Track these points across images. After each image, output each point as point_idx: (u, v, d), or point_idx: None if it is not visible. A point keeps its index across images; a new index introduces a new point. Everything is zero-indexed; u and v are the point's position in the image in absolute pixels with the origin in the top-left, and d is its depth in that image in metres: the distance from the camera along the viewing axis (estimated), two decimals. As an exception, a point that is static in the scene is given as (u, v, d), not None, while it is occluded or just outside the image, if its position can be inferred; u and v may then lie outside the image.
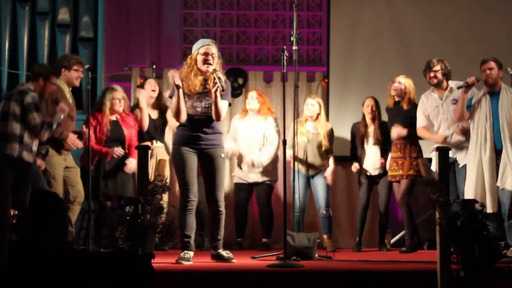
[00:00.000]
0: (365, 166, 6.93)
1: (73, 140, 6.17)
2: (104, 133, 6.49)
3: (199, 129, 5.26)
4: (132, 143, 6.57)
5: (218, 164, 5.31)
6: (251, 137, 7.02)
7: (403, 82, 6.75)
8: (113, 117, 6.57)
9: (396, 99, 6.78)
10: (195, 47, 5.33)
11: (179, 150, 5.29)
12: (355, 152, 7.01)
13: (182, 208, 5.27)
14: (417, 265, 5.07)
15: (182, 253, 5.22)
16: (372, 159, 6.92)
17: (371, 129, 6.93)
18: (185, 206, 5.25)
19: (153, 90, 6.91)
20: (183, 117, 5.24)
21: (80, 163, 6.46)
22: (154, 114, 6.90)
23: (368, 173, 6.91)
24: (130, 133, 6.63)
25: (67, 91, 6.30)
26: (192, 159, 5.27)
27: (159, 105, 6.96)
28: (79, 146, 6.22)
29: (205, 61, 5.22)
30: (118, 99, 6.55)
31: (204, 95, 5.27)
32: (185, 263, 5.10)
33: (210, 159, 5.29)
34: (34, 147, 5.66)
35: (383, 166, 6.86)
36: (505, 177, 5.82)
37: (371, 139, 6.92)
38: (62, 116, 5.80)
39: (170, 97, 5.39)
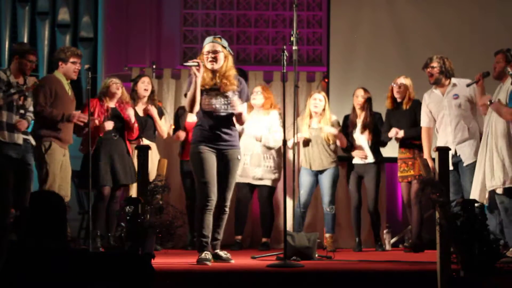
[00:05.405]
0: (353, 153, 6.94)
1: (78, 116, 6.14)
2: (105, 117, 6.40)
3: (218, 128, 5.28)
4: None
5: (233, 166, 5.35)
6: (256, 131, 7.01)
7: (404, 82, 6.77)
8: (112, 104, 6.52)
9: (398, 100, 6.80)
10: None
11: (197, 149, 5.27)
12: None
13: (201, 207, 5.23)
14: (417, 265, 5.07)
15: (203, 254, 5.15)
16: (359, 148, 6.94)
17: (360, 118, 6.95)
18: (204, 205, 5.22)
19: (146, 90, 6.89)
20: (197, 107, 5.25)
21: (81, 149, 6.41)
22: (142, 113, 6.88)
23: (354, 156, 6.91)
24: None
25: (65, 83, 6.30)
26: (212, 158, 5.26)
27: (150, 104, 6.93)
28: (85, 120, 6.08)
29: (208, 59, 5.28)
30: (115, 82, 6.52)
31: (222, 93, 5.29)
32: (208, 263, 5.05)
33: (227, 160, 5.32)
34: (9, 120, 5.74)
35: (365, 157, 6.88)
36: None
37: (359, 128, 6.93)
38: (28, 83, 5.86)
39: (186, 95, 5.37)
